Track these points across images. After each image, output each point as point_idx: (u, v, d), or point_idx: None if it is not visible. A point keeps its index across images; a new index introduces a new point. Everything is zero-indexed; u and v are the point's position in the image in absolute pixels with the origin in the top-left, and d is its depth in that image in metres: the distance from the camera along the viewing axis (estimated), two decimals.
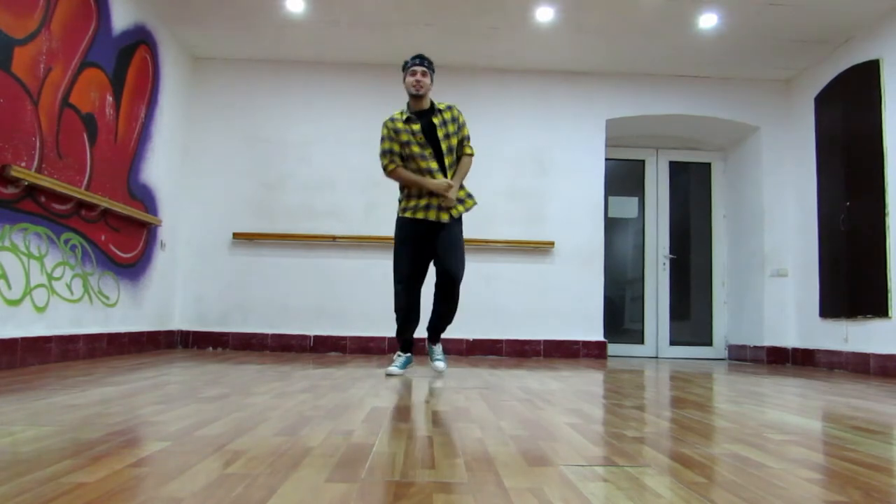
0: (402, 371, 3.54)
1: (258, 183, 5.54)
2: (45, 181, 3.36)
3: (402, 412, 2.06)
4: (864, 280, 4.66)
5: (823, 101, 5.30)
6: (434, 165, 3.46)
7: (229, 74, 5.64)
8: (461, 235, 3.58)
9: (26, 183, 3.25)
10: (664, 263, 6.29)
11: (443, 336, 4.01)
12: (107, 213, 4.14)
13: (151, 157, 4.85)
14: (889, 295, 4.39)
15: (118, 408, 1.97)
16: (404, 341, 3.64)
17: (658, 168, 6.39)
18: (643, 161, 6.40)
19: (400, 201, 3.59)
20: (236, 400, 2.22)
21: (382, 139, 3.50)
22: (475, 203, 3.64)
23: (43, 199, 3.48)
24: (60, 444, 1.41)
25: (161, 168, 5.01)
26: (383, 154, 3.49)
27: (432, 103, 3.54)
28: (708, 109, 5.82)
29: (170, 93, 5.14)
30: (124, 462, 1.27)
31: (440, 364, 3.68)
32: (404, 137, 3.46)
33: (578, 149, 5.72)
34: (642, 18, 4.79)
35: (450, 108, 3.55)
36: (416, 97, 3.49)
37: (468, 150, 3.59)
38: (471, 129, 5.78)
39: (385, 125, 3.51)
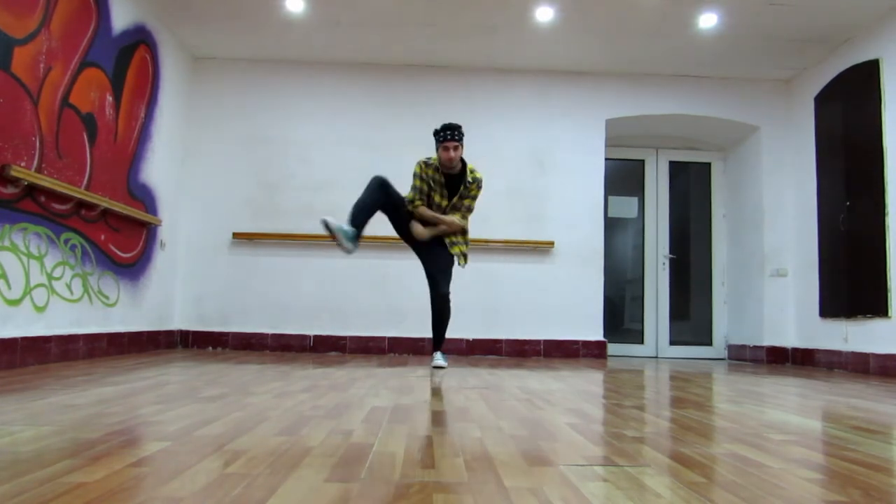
0: (333, 223, 3.65)
1: (258, 183, 5.54)
2: (45, 181, 3.36)
3: (402, 412, 2.06)
4: (863, 280, 4.66)
5: (823, 101, 5.30)
6: (445, 203, 3.89)
7: (229, 74, 5.64)
8: (453, 264, 3.95)
9: (26, 183, 3.25)
10: (664, 263, 6.29)
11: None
12: (106, 212, 4.13)
13: (151, 157, 4.85)
14: (889, 295, 4.39)
15: (118, 408, 1.96)
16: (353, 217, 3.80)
17: (658, 168, 6.39)
18: (643, 161, 6.40)
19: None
20: (236, 400, 2.22)
21: (416, 176, 3.87)
22: (464, 257, 4.01)
23: (43, 198, 3.47)
24: (60, 444, 1.41)
25: (161, 168, 5.01)
26: (413, 189, 3.88)
27: (464, 166, 3.87)
28: (708, 109, 5.82)
29: (170, 93, 5.14)
30: (124, 462, 1.27)
31: (440, 361, 3.95)
32: (432, 183, 3.85)
33: (578, 149, 5.72)
34: (642, 18, 4.79)
35: (475, 181, 3.86)
36: (448, 168, 3.82)
37: (463, 219, 3.91)
38: (470, 129, 5.80)
39: (420, 166, 3.86)
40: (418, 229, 3.87)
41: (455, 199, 3.88)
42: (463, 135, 3.82)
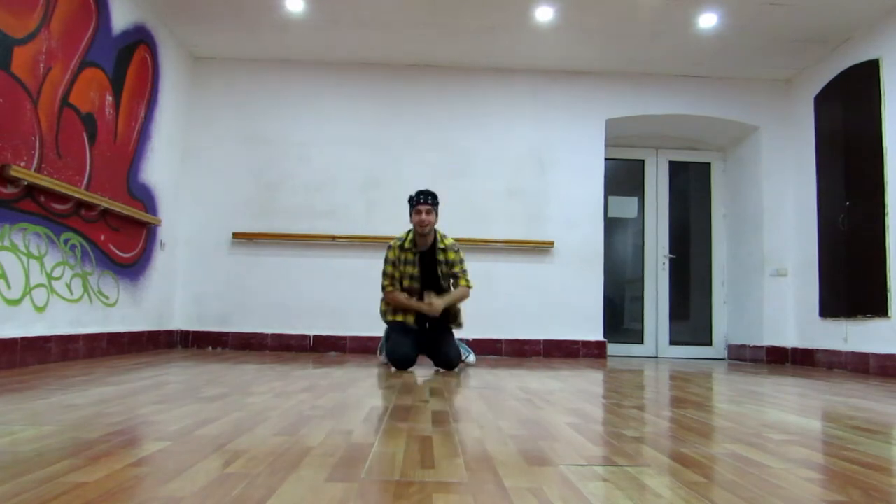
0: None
1: (258, 183, 5.54)
2: (45, 181, 3.36)
3: (402, 412, 2.06)
4: (863, 280, 4.66)
5: (823, 101, 5.30)
6: (416, 286, 3.90)
7: (229, 74, 5.64)
8: (450, 332, 4.02)
9: (26, 182, 3.25)
10: (664, 263, 6.29)
11: None
12: (106, 212, 4.13)
13: (151, 157, 4.85)
14: (889, 295, 4.40)
15: (118, 407, 1.96)
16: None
17: (658, 168, 6.39)
18: (643, 161, 6.40)
19: (384, 312, 4.05)
20: (236, 400, 2.22)
21: (387, 261, 3.91)
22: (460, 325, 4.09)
23: (42, 198, 3.47)
24: (60, 444, 1.41)
25: (161, 168, 5.01)
26: (385, 275, 3.92)
27: (436, 237, 3.93)
28: (708, 109, 5.82)
29: (169, 92, 5.14)
30: (124, 462, 1.27)
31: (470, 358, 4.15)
32: (410, 260, 3.88)
33: (578, 149, 5.72)
34: (642, 18, 4.79)
35: (448, 248, 3.93)
36: (421, 235, 3.85)
37: (465, 283, 3.95)
38: (470, 129, 5.80)
39: (392, 250, 3.91)
40: (435, 303, 3.82)
41: (441, 275, 3.89)
42: (437, 202, 3.87)
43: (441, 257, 3.92)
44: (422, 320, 3.95)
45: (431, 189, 3.96)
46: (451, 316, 4.01)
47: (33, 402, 2.05)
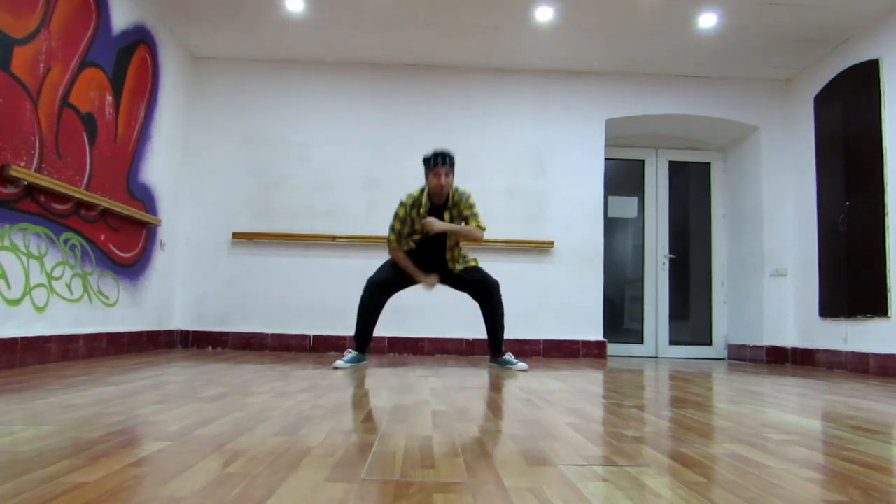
0: (348, 365, 3.76)
1: (258, 183, 5.54)
2: (45, 181, 3.36)
3: (402, 412, 2.06)
4: (863, 280, 4.66)
5: (823, 101, 5.30)
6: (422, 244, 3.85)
7: (229, 74, 5.64)
8: (480, 271, 4.05)
9: (26, 182, 3.25)
10: (664, 263, 6.29)
11: (443, 336, 4.10)
12: (106, 212, 4.13)
13: (151, 157, 4.85)
14: (888, 295, 4.40)
15: (117, 407, 1.96)
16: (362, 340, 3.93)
17: (658, 168, 6.39)
18: (643, 161, 6.40)
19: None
20: (236, 400, 2.22)
21: (396, 216, 3.82)
22: (475, 262, 4.07)
23: (42, 198, 3.47)
24: (60, 444, 1.41)
25: (161, 168, 5.01)
26: (393, 230, 3.85)
27: (449, 194, 3.84)
28: (707, 109, 5.82)
29: (169, 92, 5.14)
30: (124, 462, 1.27)
31: (521, 364, 3.98)
32: (413, 215, 3.82)
33: (578, 149, 5.72)
34: (642, 18, 4.79)
35: (461, 197, 3.83)
36: (437, 195, 3.78)
37: (478, 223, 3.86)
38: (470, 129, 5.79)
39: (403, 205, 3.81)
40: (436, 225, 3.74)
41: (451, 219, 3.85)
42: (454, 163, 3.79)
43: (454, 212, 3.84)
44: (431, 267, 3.91)
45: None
46: (465, 258, 3.96)
47: (33, 402, 2.05)
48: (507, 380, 3.31)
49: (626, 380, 3.55)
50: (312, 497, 1.07)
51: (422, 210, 3.79)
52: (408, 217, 3.80)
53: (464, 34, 5.12)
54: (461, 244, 3.97)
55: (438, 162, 3.69)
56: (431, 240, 3.84)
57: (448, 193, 3.81)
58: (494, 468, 1.31)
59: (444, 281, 4.02)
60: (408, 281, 3.98)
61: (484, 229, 3.86)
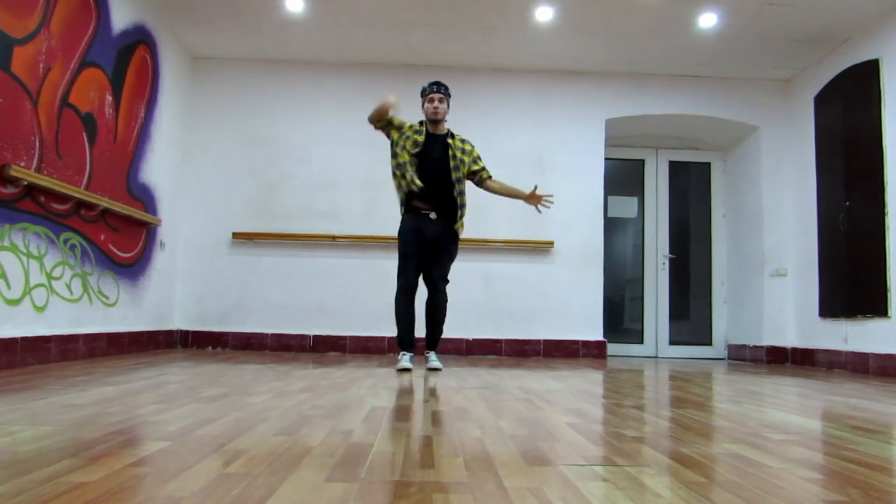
0: (411, 364, 3.78)
1: (258, 183, 5.54)
2: (45, 181, 3.36)
3: (402, 412, 2.06)
4: (863, 280, 4.66)
5: (823, 101, 5.30)
6: (410, 173, 3.70)
7: (229, 74, 5.64)
8: (454, 249, 3.91)
9: (26, 182, 3.25)
10: (664, 263, 6.29)
11: (443, 336, 4.10)
12: (106, 212, 4.13)
13: (151, 157, 4.85)
14: (888, 295, 4.40)
15: (117, 407, 1.96)
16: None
17: (658, 168, 6.39)
18: (643, 161, 6.40)
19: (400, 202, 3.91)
20: (236, 399, 2.22)
21: (400, 124, 3.80)
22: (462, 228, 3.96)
23: (42, 198, 3.47)
24: (60, 444, 1.41)
25: (161, 168, 5.01)
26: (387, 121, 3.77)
27: (449, 130, 3.85)
28: (707, 109, 5.82)
29: (169, 92, 5.14)
30: (124, 462, 1.27)
31: (436, 363, 3.90)
32: (408, 134, 3.75)
33: (578, 149, 5.72)
34: (642, 18, 4.79)
35: (464, 140, 3.85)
36: (433, 122, 3.77)
37: (491, 176, 3.90)
38: (470, 129, 5.80)
39: (404, 122, 3.81)
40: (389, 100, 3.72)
41: (453, 164, 3.74)
42: (450, 94, 3.82)
43: (458, 144, 3.79)
44: (438, 208, 3.77)
45: None
46: (459, 211, 3.85)
47: (33, 402, 2.05)
48: (507, 380, 3.31)
49: (626, 380, 3.55)
50: (312, 497, 1.07)
51: (419, 137, 3.72)
52: (405, 130, 3.76)
53: (464, 34, 5.12)
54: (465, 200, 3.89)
55: (434, 89, 3.76)
56: (434, 165, 3.73)
57: (446, 128, 3.84)
58: (494, 468, 1.31)
59: (432, 241, 3.79)
60: (419, 260, 3.80)
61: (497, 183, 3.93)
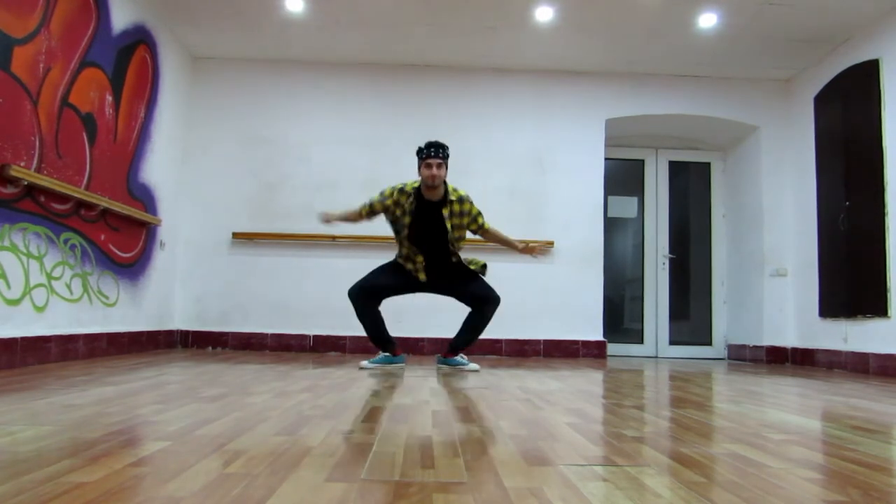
0: (373, 366, 3.82)
1: (258, 183, 5.54)
2: (45, 181, 3.36)
3: (403, 412, 2.06)
4: (863, 280, 4.66)
5: (823, 101, 5.30)
6: (405, 245, 3.76)
7: (229, 74, 5.64)
8: (477, 279, 3.94)
9: (25, 182, 3.25)
10: (664, 263, 6.29)
11: (443, 336, 4.11)
12: (106, 212, 4.13)
13: (151, 157, 4.85)
14: (888, 295, 4.40)
15: (117, 407, 1.96)
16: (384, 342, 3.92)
17: (658, 168, 6.39)
18: (643, 161, 6.40)
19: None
20: (236, 399, 2.22)
21: (381, 194, 3.73)
22: (485, 265, 4.00)
23: (42, 198, 3.47)
24: (59, 444, 1.41)
25: (161, 168, 5.01)
26: (370, 201, 3.77)
27: (446, 191, 3.73)
28: (707, 109, 5.82)
29: (169, 92, 5.14)
30: (123, 462, 1.27)
31: (472, 365, 3.91)
32: (406, 207, 3.68)
33: (578, 149, 5.72)
34: (642, 18, 4.79)
35: (461, 200, 3.74)
36: (430, 188, 3.66)
37: (488, 226, 3.90)
38: (470, 129, 5.80)
39: (394, 190, 3.71)
40: (332, 215, 3.82)
41: (450, 228, 3.71)
42: (448, 155, 3.67)
43: (455, 208, 3.69)
44: (431, 271, 3.82)
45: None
46: (470, 262, 3.89)
47: (33, 402, 2.05)
48: (507, 380, 3.31)
49: (626, 380, 3.55)
50: (312, 497, 1.07)
51: (409, 202, 3.67)
52: (393, 203, 3.68)
53: (464, 34, 5.12)
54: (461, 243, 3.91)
55: (431, 153, 3.60)
56: (428, 233, 3.72)
57: (444, 189, 3.71)
58: (494, 468, 1.31)
59: (439, 283, 3.88)
60: (394, 288, 3.90)
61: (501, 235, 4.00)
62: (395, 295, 3.95)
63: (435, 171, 3.57)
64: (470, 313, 3.93)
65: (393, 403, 2.26)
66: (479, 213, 3.83)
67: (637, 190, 6.40)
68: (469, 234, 3.95)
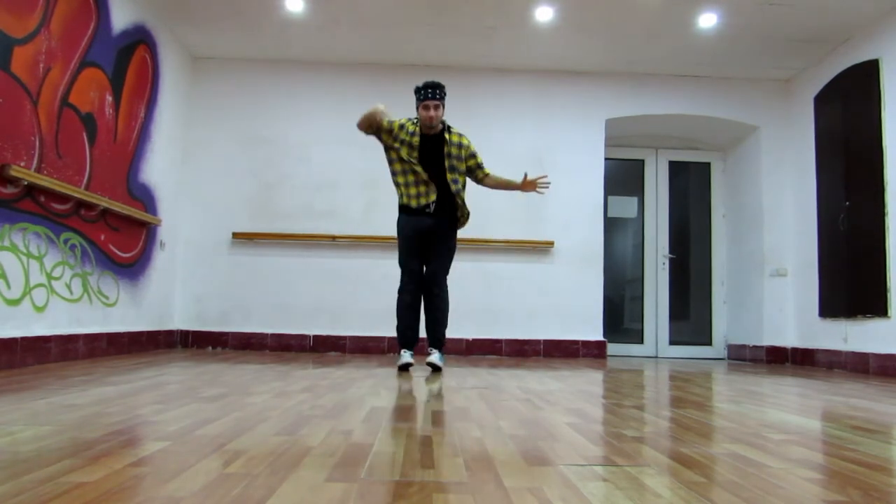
0: (413, 360, 3.78)
1: (258, 183, 5.54)
2: (45, 181, 3.36)
3: (402, 412, 2.06)
4: (863, 280, 4.66)
5: (823, 101, 5.30)
6: (419, 169, 3.69)
7: (229, 74, 5.64)
8: (453, 243, 3.89)
9: (26, 182, 3.25)
10: (664, 263, 6.29)
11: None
12: (106, 212, 4.13)
13: (151, 157, 4.85)
14: (888, 295, 4.40)
15: (117, 407, 1.96)
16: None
17: (658, 168, 6.39)
18: (643, 161, 6.40)
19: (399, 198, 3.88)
20: (236, 399, 2.22)
21: (390, 123, 3.73)
22: (467, 214, 3.91)
23: (42, 198, 3.47)
24: (60, 444, 1.41)
25: (161, 168, 5.01)
26: (389, 121, 3.73)
27: (444, 126, 3.76)
28: (707, 109, 5.82)
29: (169, 92, 5.14)
30: (123, 462, 1.27)
31: (438, 360, 3.80)
32: (403, 137, 3.70)
33: (578, 149, 5.72)
34: (642, 18, 4.79)
35: (461, 135, 3.77)
36: (428, 128, 3.70)
37: (488, 171, 3.87)
38: (470, 129, 5.80)
39: (398, 120, 3.75)
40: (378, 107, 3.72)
41: (448, 164, 3.69)
42: (445, 94, 3.72)
43: (454, 139, 3.71)
44: (438, 206, 3.75)
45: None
46: (459, 210, 3.81)
47: (33, 402, 2.05)
48: (507, 380, 3.31)
49: (626, 380, 3.55)
50: (312, 497, 1.07)
51: (415, 140, 3.68)
52: (399, 132, 3.70)
53: (464, 34, 5.12)
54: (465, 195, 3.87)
55: (428, 95, 3.62)
56: (430, 168, 3.70)
57: (442, 128, 3.75)
58: (494, 468, 1.31)
59: (432, 232, 3.76)
60: (423, 246, 3.79)
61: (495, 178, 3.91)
62: (425, 249, 3.82)
63: (433, 112, 3.64)
64: (425, 302, 3.83)
65: (393, 403, 2.26)
66: (476, 153, 3.83)
67: (637, 190, 6.40)
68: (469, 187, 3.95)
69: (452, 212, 3.82)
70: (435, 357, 3.72)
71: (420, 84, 3.72)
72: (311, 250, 5.49)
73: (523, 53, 5.45)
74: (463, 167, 3.78)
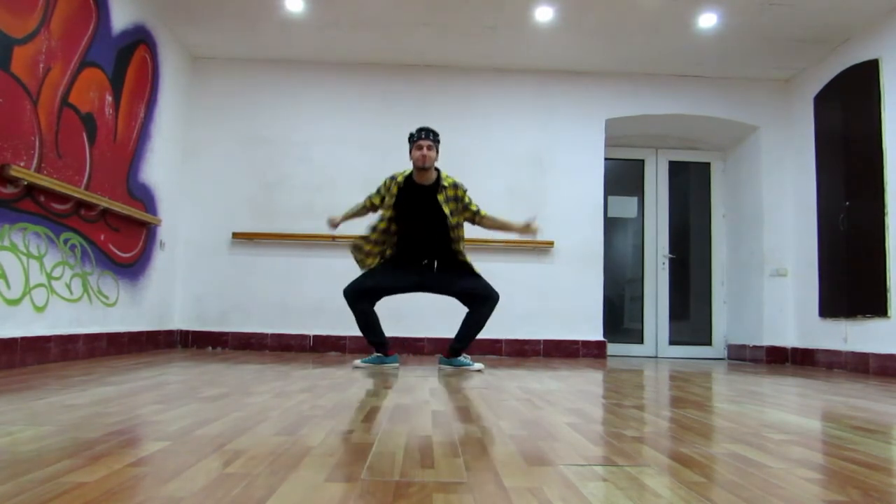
0: (364, 365, 3.87)
1: (258, 183, 5.54)
2: (45, 181, 3.36)
3: (402, 412, 2.06)
4: (863, 280, 4.66)
5: (823, 101, 5.30)
6: (396, 233, 3.81)
7: (229, 74, 5.64)
8: (477, 277, 3.94)
9: (25, 182, 3.25)
10: (664, 263, 6.29)
11: (443, 336, 4.11)
12: (106, 212, 4.13)
13: (151, 157, 4.85)
14: (888, 295, 4.40)
15: (117, 407, 1.96)
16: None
17: (657, 168, 6.39)
18: (643, 161, 6.40)
19: (361, 260, 3.96)
20: (236, 399, 2.22)
21: (378, 189, 3.90)
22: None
23: (42, 198, 3.47)
24: (59, 444, 1.41)
25: (161, 168, 5.01)
26: (370, 195, 3.96)
27: (438, 176, 3.78)
28: (707, 109, 5.82)
29: (169, 92, 5.14)
30: (123, 462, 1.27)
31: (476, 364, 3.92)
32: (392, 191, 3.77)
33: (578, 149, 5.72)
34: (642, 18, 4.79)
35: (455, 185, 3.79)
36: (421, 170, 3.71)
37: (483, 212, 3.94)
38: (470, 129, 5.81)
39: (385, 181, 3.84)
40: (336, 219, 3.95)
41: (451, 214, 3.72)
42: (438, 140, 3.75)
43: (450, 193, 3.73)
44: (428, 257, 3.85)
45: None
46: (461, 255, 3.85)
47: (33, 402, 2.05)
48: (507, 380, 3.31)
49: (626, 380, 3.55)
50: (312, 497, 1.07)
51: (395, 185, 3.74)
52: (385, 190, 3.80)
53: (464, 34, 5.12)
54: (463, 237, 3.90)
55: (422, 136, 3.69)
56: (425, 219, 3.73)
57: (436, 175, 3.77)
58: (494, 468, 1.31)
59: (441, 278, 3.88)
60: (390, 288, 3.92)
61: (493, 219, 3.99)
62: (393, 294, 3.96)
63: (425, 151, 3.65)
64: (469, 313, 3.92)
65: (393, 403, 2.26)
66: (472, 201, 3.88)
67: (637, 190, 6.40)
68: (466, 232, 4.00)
69: (452, 257, 3.85)
70: (473, 364, 3.88)
71: (413, 130, 3.80)
72: (312, 250, 5.49)
73: (523, 53, 5.45)
74: (462, 218, 3.84)
